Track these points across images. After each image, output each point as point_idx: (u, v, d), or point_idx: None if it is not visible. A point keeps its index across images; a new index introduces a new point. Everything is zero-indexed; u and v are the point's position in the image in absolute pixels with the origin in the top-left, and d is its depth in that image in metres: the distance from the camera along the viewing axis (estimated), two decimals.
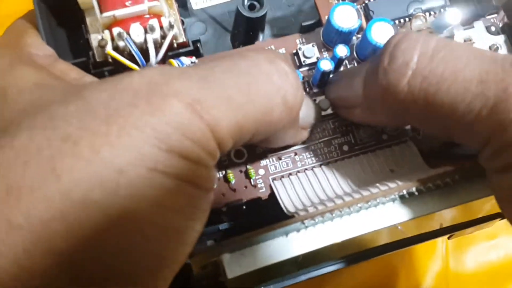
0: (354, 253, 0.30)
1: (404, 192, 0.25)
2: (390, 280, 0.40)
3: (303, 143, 0.29)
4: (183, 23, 0.31)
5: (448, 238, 0.33)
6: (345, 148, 0.30)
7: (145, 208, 0.18)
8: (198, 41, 0.30)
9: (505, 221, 0.41)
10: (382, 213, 0.26)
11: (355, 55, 0.31)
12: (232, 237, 0.24)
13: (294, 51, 0.30)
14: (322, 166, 0.29)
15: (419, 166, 0.29)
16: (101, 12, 0.29)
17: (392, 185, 0.26)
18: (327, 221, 0.25)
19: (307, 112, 0.27)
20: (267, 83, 0.21)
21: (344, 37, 0.29)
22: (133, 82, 0.19)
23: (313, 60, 0.30)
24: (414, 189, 0.26)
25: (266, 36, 0.33)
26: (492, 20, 0.30)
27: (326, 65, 0.28)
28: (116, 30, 0.28)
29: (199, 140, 0.19)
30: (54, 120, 0.18)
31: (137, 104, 0.18)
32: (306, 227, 0.25)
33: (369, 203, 0.25)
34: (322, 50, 0.31)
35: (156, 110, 0.18)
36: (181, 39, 0.30)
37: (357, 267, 0.39)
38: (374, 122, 0.28)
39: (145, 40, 0.28)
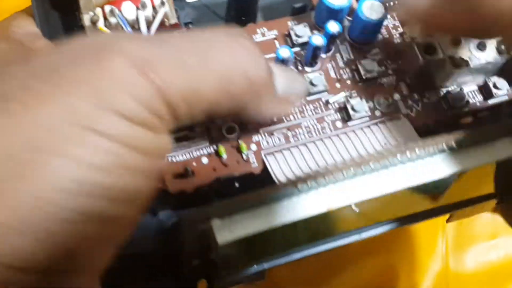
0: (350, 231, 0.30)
1: (400, 155, 0.25)
2: (390, 280, 0.39)
3: (294, 119, 0.29)
4: (176, 11, 0.32)
5: (447, 221, 0.32)
6: (339, 124, 0.29)
7: (76, 169, 0.17)
8: (190, 23, 0.31)
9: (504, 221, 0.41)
10: (380, 179, 0.25)
11: (346, 36, 0.31)
12: (220, 202, 0.23)
13: (286, 33, 0.31)
14: (316, 142, 0.28)
15: (414, 140, 0.28)
16: None
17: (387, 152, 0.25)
18: (321, 187, 0.25)
19: (288, 85, 0.26)
20: (226, 52, 0.21)
21: (335, 15, 0.30)
22: (80, 43, 0.19)
23: (305, 39, 0.30)
24: (414, 151, 0.25)
25: (258, 20, 0.33)
26: None
27: (318, 40, 0.28)
28: (108, 7, 0.28)
29: (145, 101, 0.18)
30: None
31: (78, 62, 0.18)
32: (300, 192, 0.24)
33: (363, 169, 0.25)
34: (314, 31, 0.31)
35: (99, 68, 0.18)
36: (173, 20, 0.30)
37: (357, 267, 0.38)
38: None
39: (137, 18, 0.28)
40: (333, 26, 0.29)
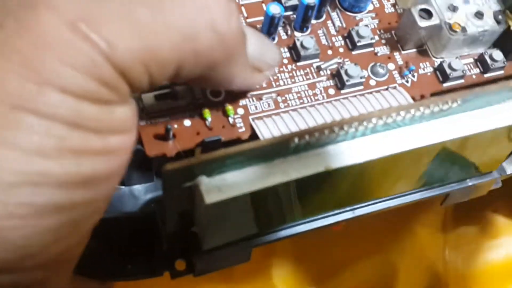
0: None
1: (403, 115, 0.23)
2: (390, 280, 0.37)
3: (284, 84, 0.27)
4: None
5: (441, 204, 0.30)
6: (331, 91, 0.27)
7: (13, 159, 0.15)
8: None
9: (504, 221, 0.40)
10: (379, 141, 0.23)
11: (337, 3, 0.29)
12: (210, 154, 0.20)
13: None
14: (307, 108, 0.26)
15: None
16: None
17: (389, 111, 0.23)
18: (319, 147, 0.22)
19: (260, 49, 0.23)
20: (188, 3, 0.17)
21: None
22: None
23: (295, 2, 0.28)
24: (418, 109, 0.23)
25: None
26: None
27: None
28: None
29: (87, 69, 0.15)
30: None
31: (3, 23, 0.15)
32: (298, 149, 0.22)
33: (364, 124, 0.22)
34: None
35: (26, 30, 0.15)
36: None
37: (357, 267, 0.36)
38: None
39: None
40: None
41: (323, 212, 0.27)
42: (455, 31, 0.27)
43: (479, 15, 0.28)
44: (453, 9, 0.28)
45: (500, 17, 0.28)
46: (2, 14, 0.15)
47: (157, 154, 0.24)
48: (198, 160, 0.20)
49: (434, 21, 0.27)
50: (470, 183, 0.29)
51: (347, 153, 0.22)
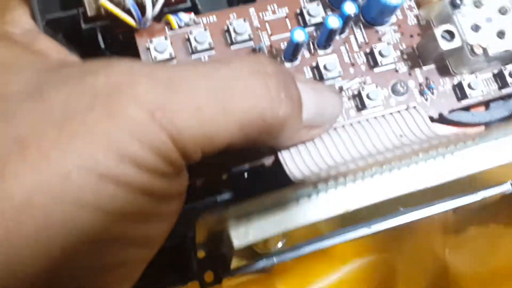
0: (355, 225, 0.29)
1: (420, 156, 0.24)
2: (390, 280, 0.39)
3: None
4: None
5: (454, 211, 0.32)
6: (352, 113, 0.28)
7: (91, 217, 0.17)
8: None
9: (504, 221, 0.41)
10: (398, 179, 0.24)
11: (361, 16, 0.29)
12: (237, 204, 0.22)
13: (298, 11, 0.29)
14: (329, 131, 0.27)
15: (427, 131, 0.28)
16: None
17: (407, 149, 0.24)
18: (340, 186, 0.24)
19: (317, 111, 0.24)
20: (245, 95, 0.20)
21: None
22: (95, 83, 0.18)
23: (319, 19, 0.28)
24: (429, 153, 0.24)
25: None
26: None
27: (335, 22, 0.27)
28: None
29: (158, 149, 0.18)
30: (7, 117, 0.18)
31: (94, 107, 0.17)
32: (318, 191, 0.23)
33: (384, 167, 0.24)
34: (327, 10, 0.29)
35: (113, 115, 0.17)
36: None
37: (356, 267, 0.38)
38: None
39: None
40: (349, 7, 0.27)
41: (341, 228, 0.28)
42: (477, 54, 0.27)
43: (501, 34, 0.28)
44: (476, 28, 0.28)
45: None
46: (91, 98, 0.18)
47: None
48: (227, 214, 0.21)
49: (456, 43, 0.27)
50: (485, 194, 0.31)
51: (367, 193, 0.24)
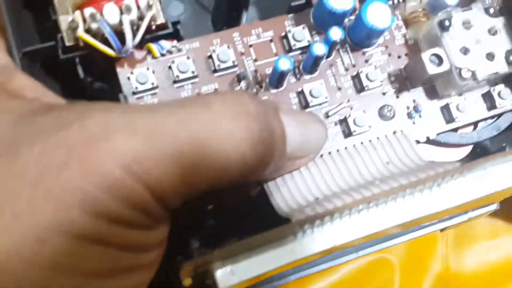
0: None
1: (407, 191, 0.24)
2: (390, 280, 0.39)
3: None
4: (160, 1, 0.28)
5: (441, 230, 0.32)
6: (339, 138, 0.28)
7: (68, 280, 0.17)
8: (178, 22, 0.28)
9: (504, 221, 0.41)
10: (385, 213, 0.24)
11: (348, 38, 0.29)
12: (222, 247, 0.22)
13: (283, 34, 0.28)
14: (316, 160, 0.27)
15: (414, 157, 0.27)
16: None
17: (394, 183, 0.24)
18: (326, 224, 0.23)
19: (301, 142, 0.23)
20: (226, 142, 0.19)
21: (337, 19, 0.27)
22: (69, 137, 0.17)
23: (304, 43, 0.28)
24: (415, 189, 0.24)
25: (251, 16, 0.31)
26: (490, 1, 0.29)
27: (320, 49, 0.26)
28: (88, 10, 0.25)
29: (136, 203, 0.17)
30: None
31: (68, 163, 0.17)
32: (305, 231, 0.23)
33: (371, 204, 0.23)
34: (313, 33, 0.28)
35: (88, 171, 0.17)
36: (160, 20, 0.27)
37: (356, 266, 0.38)
38: None
39: (121, 22, 0.25)
40: (335, 33, 0.26)
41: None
42: (465, 78, 0.27)
43: (490, 57, 0.28)
44: (465, 51, 0.27)
45: (511, 58, 0.28)
46: (65, 153, 0.17)
47: None
48: (212, 257, 0.21)
49: (444, 67, 0.27)
50: (472, 214, 0.31)
51: (354, 229, 0.23)
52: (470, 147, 0.30)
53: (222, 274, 0.22)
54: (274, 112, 0.21)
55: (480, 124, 0.30)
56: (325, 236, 0.23)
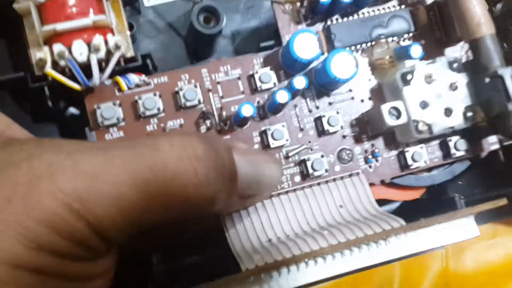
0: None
1: (354, 246, 0.25)
2: (390, 280, 0.39)
3: None
4: (131, 27, 0.29)
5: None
6: (297, 179, 0.29)
7: None
8: (148, 56, 0.28)
9: (504, 221, 0.40)
10: (331, 265, 0.26)
11: (313, 79, 0.29)
12: None
13: (251, 73, 0.29)
14: (272, 198, 0.28)
15: (367, 203, 0.29)
16: (42, 23, 0.26)
17: (340, 237, 0.26)
18: (272, 275, 0.25)
19: (252, 180, 0.24)
20: (170, 183, 0.20)
21: (303, 65, 0.28)
22: (16, 175, 0.18)
23: (270, 85, 0.28)
24: (363, 242, 0.26)
25: (224, 49, 0.31)
26: (455, 56, 0.29)
27: (283, 97, 0.27)
28: (56, 47, 0.25)
29: (76, 238, 0.19)
30: None
31: (12, 199, 0.18)
32: (254, 282, 0.25)
33: (316, 259, 0.25)
34: (280, 72, 0.29)
35: (30, 207, 0.18)
36: (129, 53, 0.28)
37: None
38: None
39: (88, 60, 0.26)
40: (299, 83, 0.27)
41: None
42: (421, 131, 0.28)
43: (448, 112, 0.28)
44: (424, 105, 0.28)
45: (469, 114, 0.28)
46: (10, 190, 0.18)
47: None
48: None
49: (402, 120, 0.28)
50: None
51: (301, 276, 0.25)
52: (423, 190, 0.32)
53: None
54: (226, 152, 0.22)
55: (436, 170, 0.32)
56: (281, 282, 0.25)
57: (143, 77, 0.28)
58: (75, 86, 0.26)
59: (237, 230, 0.27)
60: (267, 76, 0.28)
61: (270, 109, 0.28)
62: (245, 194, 0.24)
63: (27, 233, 0.18)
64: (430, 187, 0.32)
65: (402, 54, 0.29)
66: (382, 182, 0.30)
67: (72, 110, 0.30)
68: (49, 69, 0.26)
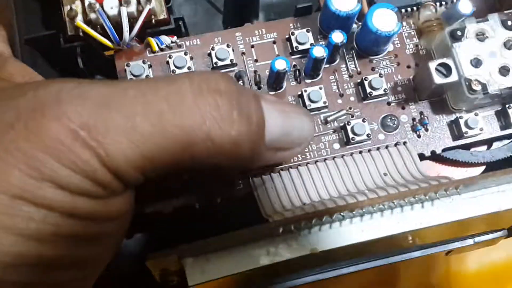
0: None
1: (395, 202, 0.22)
2: (392, 280, 0.37)
3: None
4: (168, 2, 0.28)
5: (446, 254, 0.30)
6: (336, 146, 0.26)
7: (13, 241, 0.16)
8: (181, 19, 0.28)
9: None
10: (371, 224, 0.23)
11: (354, 44, 0.28)
12: (194, 242, 0.21)
13: (287, 36, 0.27)
14: (308, 165, 0.26)
15: (414, 171, 0.26)
16: None
17: (381, 192, 0.23)
18: (304, 231, 0.22)
19: (282, 132, 0.22)
20: (187, 115, 0.18)
21: (342, 22, 0.26)
22: (20, 102, 0.17)
23: (307, 46, 0.27)
24: (407, 199, 0.23)
25: (259, 18, 0.30)
26: (509, 14, 0.27)
27: (319, 51, 0.25)
28: (87, 0, 0.25)
29: (82, 170, 0.17)
30: None
31: (14, 125, 0.17)
32: (283, 234, 0.22)
33: (354, 212, 0.22)
34: (319, 37, 0.28)
35: (32, 134, 0.17)
36: (162, 15, 0.27)
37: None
38: None
39: (119, 13, 0.25)
40: (337, 37, 0.25)
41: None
42: (475, 90, 0.25)
43: (504, 70, 0.26)
44: (476, 63, 0.26)
45: None
46: (13, 116, 0.17)
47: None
48: (180, 251, 0.20)
49: (452, 78, 0.25)
50: (478, 239, 0.29)
51: (335, 236, 0.22)
52: (482, 168, 0.28)
53: (191, 270, 0.21)
54: (253, 97, 0.20)
55: (495, 144, 0.28)
56: (304, 239, 0.22)
57: (175, 38, 0.27)
58: (106, 41, 0.26)
59: (269, 195, 0.25)
60: (303, 37, 0.27)
61: (307, 71, 0.27)
62: (274, 145, 0.22)
63: (29, 161, 0.16)
64: (489, 165, 0.29)
65: (451, 14, 0.27)
66: (433, 153, 0.27)
67: (101, 77, 0.29)
68: (79, 21, 0.25)
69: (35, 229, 0.16)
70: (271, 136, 0.21)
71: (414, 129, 0.27)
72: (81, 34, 0.26)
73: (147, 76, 0.26)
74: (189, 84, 0.18)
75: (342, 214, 0.22)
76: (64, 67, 0.28)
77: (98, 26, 0.26)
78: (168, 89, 0.18)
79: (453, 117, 0.27)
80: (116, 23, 0.26)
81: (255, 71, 0.27)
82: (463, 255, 0.39)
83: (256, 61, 0.27)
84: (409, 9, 0.28)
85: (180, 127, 0.18)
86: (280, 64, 0.25)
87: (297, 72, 0.27)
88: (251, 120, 0.20)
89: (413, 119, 0.27)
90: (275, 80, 0.26)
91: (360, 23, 0.27)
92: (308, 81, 0.27)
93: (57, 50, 0.26)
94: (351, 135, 0.26)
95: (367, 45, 0.27)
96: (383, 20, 0.26)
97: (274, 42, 0.28)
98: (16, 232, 0.16)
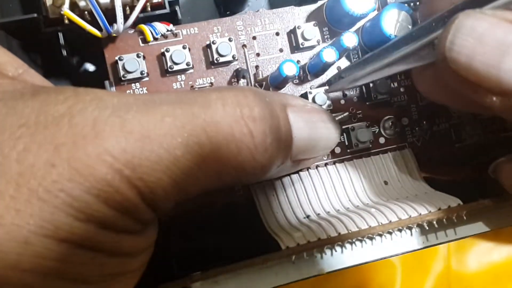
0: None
1: (397, 229, 0.23)
2: (392, 280, 0.38)
3: None
4: None
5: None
6: (337, 150, 0.26)
7: (54, 283, 0.16)
8: (176, 2, 0.25)
9: None
10: (376, 247, 0.23)
11: (361, 41, 0.26)
12: (204, 271, 0.21)
13: (291, 28, 0.26)
14: (309, 170, 0.25)
15: (415, 180, 0.26)
16: None
17: (392, 216, 0.23)
18: (315, 256, 0.22)
19: (308, 144, 0.21)
20: (224, 147, 0.18)
21: (353, 20, 0.25)
22: (57, 134, 0.16)
23: (313, 43, 0.25)
24: (409, 226, 0.23)
25: (257, 4, 0.28)
26: None
27: (330, 56, 0.24)
28: None
29: (125, 208, 0.16)
30: None
31: (55, 163, 0.15)
32: (293, 262, 0.22)
33: (364, 238, 0.22)
34: (324, 29, 0.26)
35: (76, 173, 0.15)
36: None
37: (357, 266, 0.37)
38: None
39: (112, 2, 0.22)
40: (349, 40, 0.24)
41: None
42: None
43: None
44: None
45: None
46: (52, 149, 0.15)
47: None
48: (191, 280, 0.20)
49: None
50: None
51: (341, 258, 0.22)
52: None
53: None
54: (281, 112, 0.20)
55: None
56: (311, 266, 0.22)
57: (171, 26, 0.24)
58: (96, 31, 0.23)
59: (270, 204, 0.24)
60: (310, 33, 0.25)
61: (312, 70, 0.25)
62: (299, 157, 0.21)
63: (74, 203, 0.15)
64: None
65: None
66: (429, 161, 0.27)
67: (88, 66, 0.26)
68: (66, 10, 0.22)
69: (80, 271, 0.16)
70: (297, 151, 0.21)
71: (413, 132, 0.27)
72: (65, 21, 0.23)
73: (141, 72, 0.24)
74: (225, 111, 0.18)
75: (352, 240, 0.22)
76: (45, 57, 0.25)
77: (86, 12, 0.23)
78: (205, 117, 0.17)
79: (453, 121, 0.27)
80: (107, 10, 0.23)
81: (256, 67, 0.25)
82: (463, 255, 0.39)
83: (258, 55, 0.25)
84: (418, 3, 0.27)
85: (217, 159, 0.18)
86: (290, 69, 0.23)
87: (301, 70, 0.25)
88: (281, 141, 0.19)
89: (414, 121, 0.27)
90: (280, 82, 0.24)
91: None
92: (311, 80, 0.26)
93: (37, 37, 0.23)
94: (354, 141, 0.25)
95: (374, 45, 0.26)
96: (396, 22, 0.24)
97: (277, 34, 0.26)
98: (60, 276, 0.16)
